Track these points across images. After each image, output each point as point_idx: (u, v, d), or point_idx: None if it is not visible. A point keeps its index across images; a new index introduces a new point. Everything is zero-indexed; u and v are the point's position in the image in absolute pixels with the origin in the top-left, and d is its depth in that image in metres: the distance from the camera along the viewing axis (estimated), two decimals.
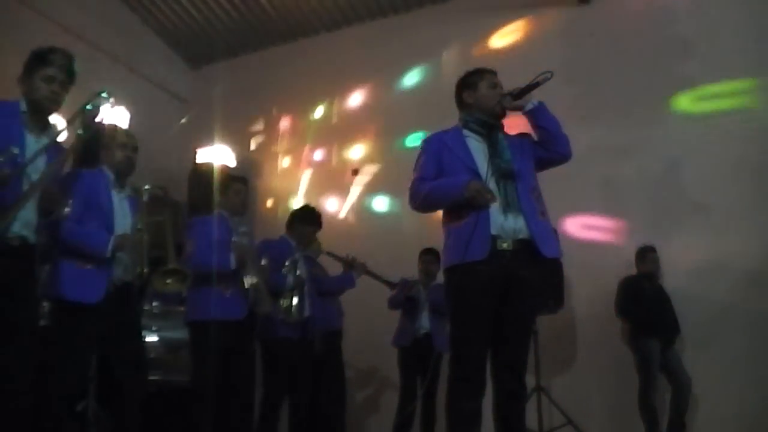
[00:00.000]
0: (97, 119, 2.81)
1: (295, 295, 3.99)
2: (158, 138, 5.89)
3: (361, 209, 6.29)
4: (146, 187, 3.17)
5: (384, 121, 6.36)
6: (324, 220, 4.61)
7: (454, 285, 2.61)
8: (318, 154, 6.69)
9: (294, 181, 6.70)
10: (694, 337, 4.76)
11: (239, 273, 3.64)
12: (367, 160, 6.41)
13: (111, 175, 3.09)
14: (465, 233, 2.56)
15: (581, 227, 4.98)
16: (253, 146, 7.02)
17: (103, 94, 2.77)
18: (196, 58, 7.42)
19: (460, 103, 2.89)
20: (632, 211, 5.20)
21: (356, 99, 6.62)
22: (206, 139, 6.60)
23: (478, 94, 2.81)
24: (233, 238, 3.71)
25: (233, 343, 3.61)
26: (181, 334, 4.11)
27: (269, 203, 6.78)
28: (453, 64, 5.96)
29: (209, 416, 3.49)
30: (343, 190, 6.42)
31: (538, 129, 2.78)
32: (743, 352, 4.61)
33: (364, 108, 6.55)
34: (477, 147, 2.73)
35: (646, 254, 4.85)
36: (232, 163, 6.54)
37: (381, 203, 6.20)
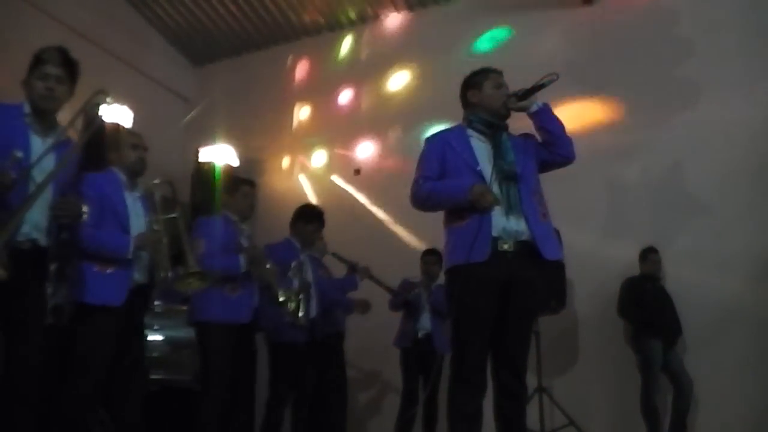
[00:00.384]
0: (98, 118, 2.82)
1: (302, 299, 4.00)
2: (161, 137, 5.89)
3: (364, 209, 6.31)
4: (156, 181, 3.19)
5: (387, 120, 6.37)
6: (326, 220, 4.62)
7: (455, 286, 2.63)
8: (321, 154, 6.71)
9: (297, 181, 6.72)
10: (696, 338, 4.77)
11: (248, 276, 3.64)
12: (370, 159, 6.42)
13: (123, 176, 3.12)
14: (467, 235, 2.57)
15: (583, 228, 4.98)
16: (256, 145, 7.04)
17: (105, 93, 2.76)
18: (199, 56, 7.44)
19: (465, 102, 2.90)
20: (635, 212, 5.21)
21: (359, 98, 6.64)
22: (209, 138, 6.62)
23: (482, 94, 2.81)
24: (241, 241, 3.72)
25: (238, 345, 3.62)
26: (184, 333, 4.12)
27: (272, 203, 6.80)
28: (455, 64, 5.97)
29: (218, 417, 3.50)
30: (346, 190, 6.44)
31: (541, 131, 2.79)
32: (745, 353, 4.63)
33: (368, 107, 6.56)
34: (481, 147, 2.74)
35: (648, 255, 4.87)
36: (235, 162, 6.56)
37: (383, 203, 6.21)
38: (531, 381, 4.28)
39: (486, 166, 2.67)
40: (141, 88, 6.35)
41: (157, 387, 4.20)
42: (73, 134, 2.79)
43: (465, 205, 2.60)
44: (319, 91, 6.82)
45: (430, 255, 4.92)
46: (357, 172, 6.43)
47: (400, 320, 5.01)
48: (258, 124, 6.99)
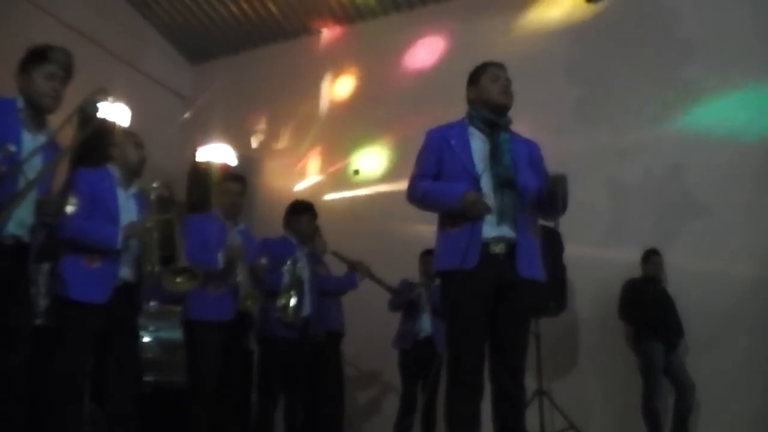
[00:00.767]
0: (96, 117, 2.83)
1: (294, 295, 3.99)
2: (157, 135, 5.89)
3: (363, 208, 6.31)
4: (154, 185, 3.19)
5: (388, 119, 6.37)
6: (325, 219, 4.62)
7: (449, 291, 2.61)
8: (320, 153, 6.70)
9: (295, 180, 6.71)
10: (698, 340, 4.77)
11: (228, 273, 3.64)
12: (370, 158, 6.42)
13: (117, 174, 3.12)
14: (459, 241, 2.57)
15: (584, 229, 4.98)
16: (254, 144, 7.03)
17: (105, 92, 2.77)
18: (196, 54, 7.44)
19: (468, 100, 2.89)
20: (636, 213, 5.21)
21: (360, 96, 6.64)
22: (206, 137, 6.62)
23: (479, 88, 2.79)
24: (229, 238, 3.71)
25: (225, 343, 3.62)
26: (177, 334, 4.12)
27: (270, 203, 6.79)
28: (456, 61, 5.97)
29: (206, 417, 3.50)
30: (345, 190, 6.44)
31: (546, 201, 2.71)
32: (747, 356, 4.62)
33: (368, 105, 6.56)
34: (480, 147, 2.71)
35: (650, 257, 4.87)
36: (233, 161, 6.55)
37: (383, 202, 6.20)
38: (531, 384, 4.30)
39: (483, 169, 2.65)
40: (138, 85, 6.34)
41: (150, 389, 4.20)
42: (69, 132, 2.80)
43: (456, 212, 2.60)
44: (320, 89, 6.81)
45: (430, 255, 4.90)
46: (356, 172, 6.43)
47: (399, 321, 5.00)
48: (256, 123, 6.99)
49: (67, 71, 2.68)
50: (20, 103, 2.60)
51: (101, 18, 6.17)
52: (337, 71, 6.78)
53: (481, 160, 2.68)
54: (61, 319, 2.91)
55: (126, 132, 3.31)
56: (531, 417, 3.25)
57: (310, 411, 4.43)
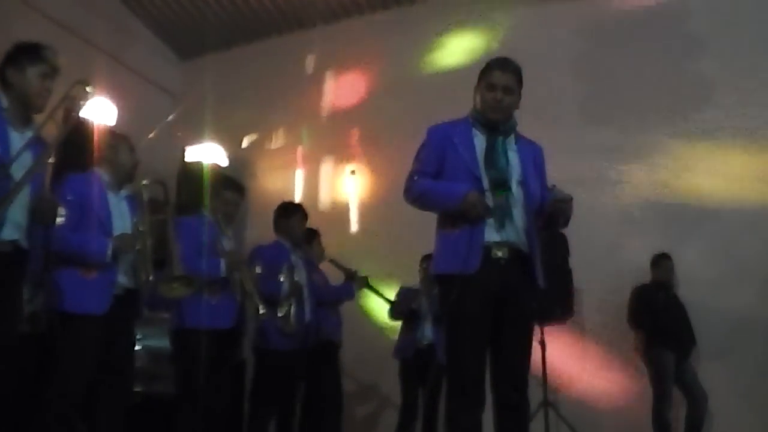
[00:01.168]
0: (79, 112, 2.80)
1: (293, 303, 3.96)
2: (145, 134, 5.88)
3: (359, 210, 6.28)
4: (144, 182, 3.17)
5: (383, 117, 6.35)
6: (319, 221, 4.60)
7: (448, 296, 2.59)
8: (314, 153, 6.68)
9: (288, 181, 6.68)
10: (711, 349, 4.76)
11: (229, 280, 3.62)
12: (366, 159, 6.40)
13: (105, 177, 3.10)
14: (459, 244, 2.56)
15: (593, 233, 4.96)
16: (245, 144, 7.01)
17: (84, 83, 2.75)
18: (185, 49, 7.42)
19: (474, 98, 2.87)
20: (646, 217, 5.20)
21: (354, 94, 6.62)
22: (196, 135, 6.58)
23: (476, 94, 2.78)
24: (222, 244, 3.70)
25: (220, 352, 3.60)
26: (165, 342, 4.09)
27: (263, 205, 6.76)
28: (458, 59, 5.97)
29: (196, 428, 3.47)
30: (340, 191, 6.42)
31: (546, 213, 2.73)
32: (762, 366, 4.62)
33: (363, 104, 6.54)
34: (483, 149, 2.70)
35: (660, 262, 4.86)
36: (224, 161, 6.52)
37: (379, 204, 6.18)
38: (536, 395, 4.29)
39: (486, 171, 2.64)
40: (125, 82, 6.30)
41: (138, 399, 4.17)
42: (53, 128, 2.78)
43: (456, 213, 2.59)
44: (313, 86, 6.79)
45: (429, 260, 4.89)
46: (353, 172, 6.41)
47: (399, 330, 4.98)
48: (247, 122, 6.96)
49: (56, 70, 2.70)
50: (4, 102, 2.59)
51: (86, 11, 6.14)
52: (333, 67, 6.75)
53: (484, 161, 2.67)
54: (60, 333, 2.88)
55: (120, 135, 3.28)
56: (536, 429, 3.22)
57: (307, 423, 4.41)
